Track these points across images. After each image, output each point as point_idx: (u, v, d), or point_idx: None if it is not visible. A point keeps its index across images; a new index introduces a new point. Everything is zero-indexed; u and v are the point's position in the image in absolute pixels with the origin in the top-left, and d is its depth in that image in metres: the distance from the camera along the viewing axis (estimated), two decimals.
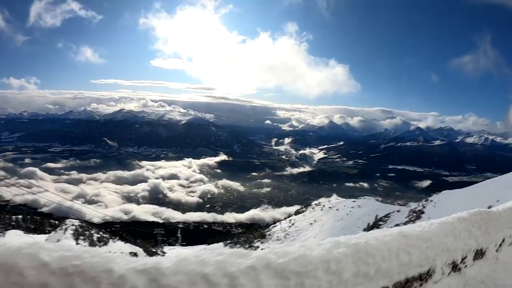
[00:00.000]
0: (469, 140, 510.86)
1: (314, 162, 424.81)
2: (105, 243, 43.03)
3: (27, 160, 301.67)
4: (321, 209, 79.52)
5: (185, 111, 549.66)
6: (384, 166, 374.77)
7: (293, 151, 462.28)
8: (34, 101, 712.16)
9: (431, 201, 42.06)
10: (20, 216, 70.96)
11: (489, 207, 27.49)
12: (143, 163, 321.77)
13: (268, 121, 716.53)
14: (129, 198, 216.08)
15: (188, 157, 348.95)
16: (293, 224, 76.54)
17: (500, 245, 8.33)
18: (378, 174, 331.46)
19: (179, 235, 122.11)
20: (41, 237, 46.04)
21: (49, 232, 53.01)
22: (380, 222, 49.18)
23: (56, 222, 58.67)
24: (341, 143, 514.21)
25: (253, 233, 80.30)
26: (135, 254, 42.88)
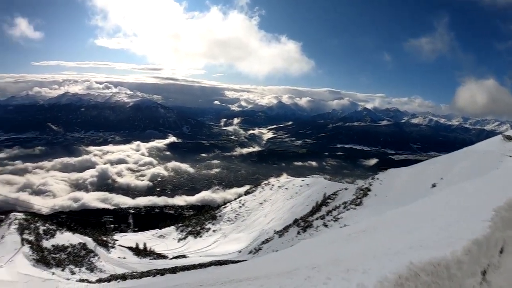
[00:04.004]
0: (414, 121, 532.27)
1: (263, 142, 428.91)
2: (52, 236, 41.94)
3: None
4: (271, 189, 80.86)
5: (132, 93, 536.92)
6: (333, 145, 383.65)
7: (242, 132, 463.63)
8: None
9: (377, 179, 43.49)
10: None
11: (434, 185, 28.82)
12: (90, 148, 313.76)
13: (216, 102, 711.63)
14: (77, 186, 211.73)
15: (136, 140, 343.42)
16: (243, 204, 77.53)
17: None
18: (326, 153, 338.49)
19: (130, 221, 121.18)
20: None
21: None
22: (328, 200, 50.49)
23: (2, 216, 56.45)
24: (290, 123, 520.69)
25: (204, 215, 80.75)
26: (84, 244, 42.28)
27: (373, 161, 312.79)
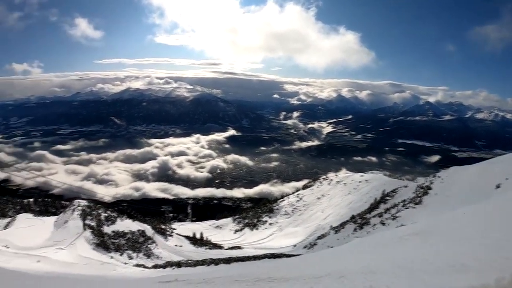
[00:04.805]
0: (479, 115, 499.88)
1: (323, 136, 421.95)
2: (113, 222, 43.35)
3: (36, 144, 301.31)
4: (329, 184, 79.67)
5: (191, 87, 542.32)
6: (393, 141, 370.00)
7: (301, 125, 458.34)
8: (40, 85, 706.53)
9: (439, 177, 41.54)
10: (31, 200, 72.16)
11: (498, 186, 27.09)
12: (152, 140, 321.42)
13: (276, 95, 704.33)
14: (138, 176, 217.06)
15: (196, 133, 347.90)
16: (301, 198, 76.89)
17: None
18: (386, 149, 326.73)
19: (189, 211, 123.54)
20: (50, 219, 46.77)
21: (58, 214, 53.82)
22: (387, 197, 48.94)
23: (67, 203, 59.15)
24: (350, 117, 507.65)
25: (261, 207, 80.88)
26: (143, 232, 43.39)
27: (435, 158, 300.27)
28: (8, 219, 48.06)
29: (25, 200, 70.71)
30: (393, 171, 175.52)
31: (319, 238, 46.75)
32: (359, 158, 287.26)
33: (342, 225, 47.01)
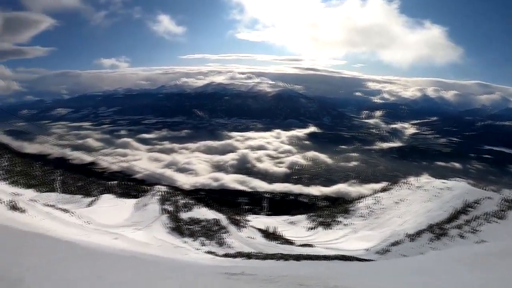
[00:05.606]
0: None
1: (405, 137, 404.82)
2: (190, 209, 44.77)
3: (122, 132, 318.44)
4: (409, 188, 76.84)
5: (273, 83, 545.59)
6: (480, 146, 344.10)
7: (383, 125, 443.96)
8: (127, 78, 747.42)
9: None
10: (115, 182, 76.38)
11: None
12: (233, 133, 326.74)
13: (358, 93, 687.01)
14: (218, 167, 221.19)
15: (277, 129, 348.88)
16: (378, 201, 74.87)
17: None
18: (472, 155, 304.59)
19: (264, 204, 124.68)
20: (130, 201, 49.24)
21: (138, 197, 56.46)
22: (469, 208, 46.31)
23: (148, 188, 61.95)
24: (435, 118, 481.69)
25: (337, 207, 79.79)
26: (217, 221, 44.42)
27: None
28: (92, 198, 51.25)
29: (109, 182, 75.11)
30: (478, 180, 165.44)
31: (393, 244, 45.31)
32: (442, 163, 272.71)
33: (419, 233, 45.22)
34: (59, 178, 69.58)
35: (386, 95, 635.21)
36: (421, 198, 68.74)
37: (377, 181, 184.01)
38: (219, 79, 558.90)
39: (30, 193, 50.99)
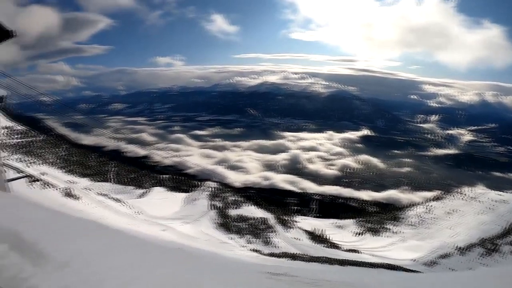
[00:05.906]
0: None
1: (461, 144, 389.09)
2: (238, 206, 45.18)
3: (176, 128, 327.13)
4: (462, 199, 74.43)
5: (327, 83, 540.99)
6: None
7: (439, 130, 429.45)
8: (182, 76, 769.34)
9: None
10: (167, 176, 78.35)
11: None
12: (285, 133, 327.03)
13: (413, 96, 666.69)
14: (269, 166, 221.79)
15: (329, 130, 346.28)
16: (429, 210, 73.01)
17: None
18: None
19: (313, 206, 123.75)
20: (181, 195, 50.21)
21: (188, 191, 57.53)
22: None
23: (199, 183, 63.00)
24: (493, 125, 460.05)
25: (387, 214, 78.55)
26: (265, 219, 44.63)
27: None
28: (143, 190, 52.79)
29: (161, 176, 77.17)
30: None
31: (441, 257, 44.06)
32: (498, 174, 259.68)
33: (469, 247, 43.75)
34: (113, 169, 72.08)
35: (442, 99, 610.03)
36: (474, 209, 66.35)
37: (429, 189, 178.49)
38: (272, 78, 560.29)
39: (84, 182, 53.19)
